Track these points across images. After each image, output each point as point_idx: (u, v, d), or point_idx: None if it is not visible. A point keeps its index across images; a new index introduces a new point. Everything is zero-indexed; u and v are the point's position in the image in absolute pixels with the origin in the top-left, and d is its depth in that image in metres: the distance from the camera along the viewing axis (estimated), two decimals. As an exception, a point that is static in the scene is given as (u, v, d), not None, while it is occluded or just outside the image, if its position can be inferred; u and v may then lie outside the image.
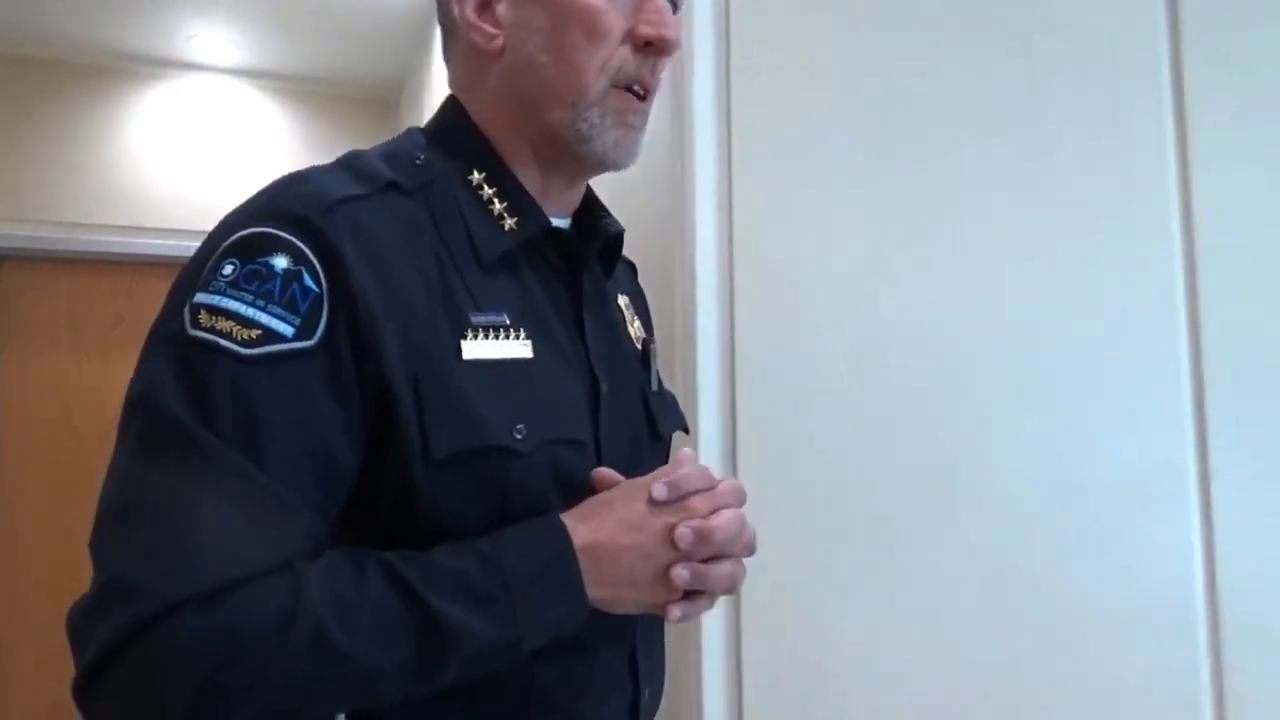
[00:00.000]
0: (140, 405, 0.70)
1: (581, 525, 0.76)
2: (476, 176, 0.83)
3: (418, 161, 0.82)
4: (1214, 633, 1.45)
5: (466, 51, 0.87)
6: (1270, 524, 1.50)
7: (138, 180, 3.81)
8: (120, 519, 0.67)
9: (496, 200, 0.83)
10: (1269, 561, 1.49)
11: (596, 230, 0.91)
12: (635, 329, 0.97)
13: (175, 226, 3.78)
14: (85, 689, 0.65)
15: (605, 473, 0.81)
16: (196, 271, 0.73)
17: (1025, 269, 1.45)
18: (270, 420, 0.68)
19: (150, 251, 3.75)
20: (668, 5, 0.85)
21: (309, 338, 0.70)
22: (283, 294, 0.70)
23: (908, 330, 1.39)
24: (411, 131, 0.88)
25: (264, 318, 0.70)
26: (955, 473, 1.36)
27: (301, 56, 3.83)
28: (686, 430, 0.99)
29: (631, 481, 0.80)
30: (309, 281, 0.71)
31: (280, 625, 0.65)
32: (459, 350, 0.76)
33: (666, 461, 0.89)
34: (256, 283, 0.70)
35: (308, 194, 0.74)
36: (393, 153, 0.83)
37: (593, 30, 0.81)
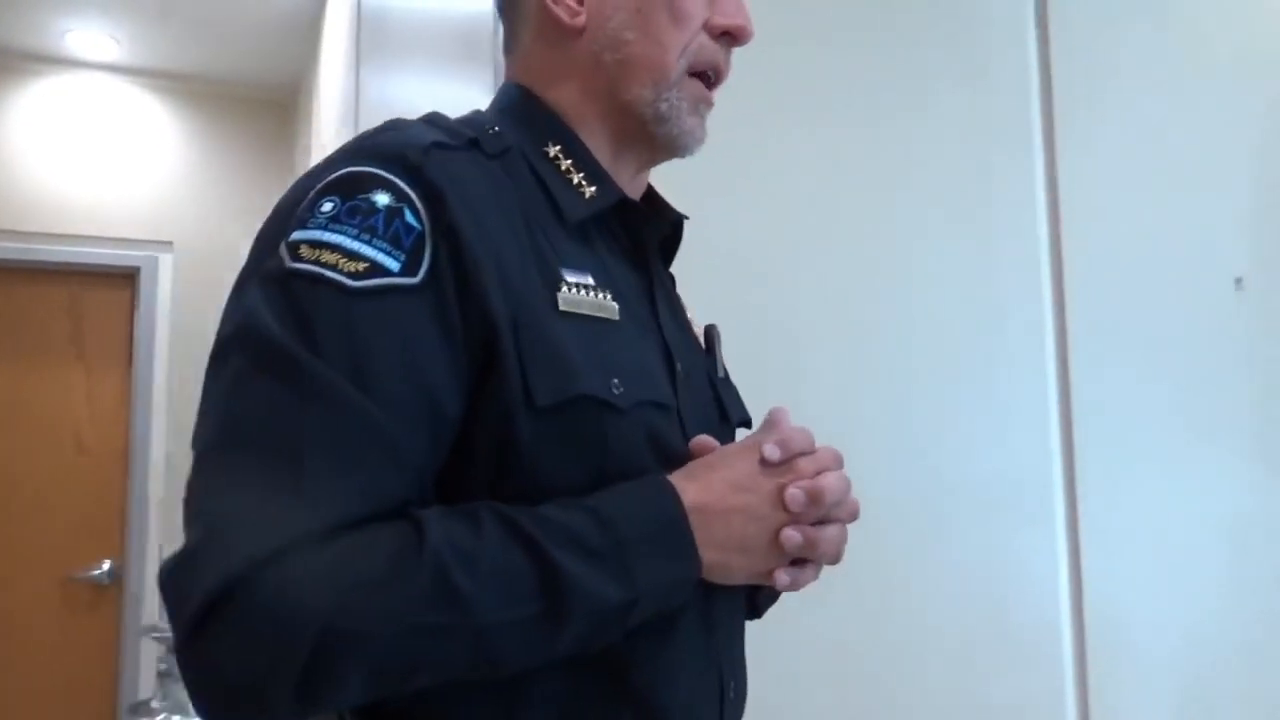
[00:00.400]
0: (237, 341, 0.66)
1: (690, 485, 0.74)
2: (553, 150, 0.84)
3: (491, 131, 0.80)
4: (1079, 646, 1.47)
5: (543, 32, 0.86)
6: (1137, 533, 1.54)
7: (14, 180, 3.65)
8: (219, 456, 0.64)
9: (574, 170, 0.83)
10: (1135, 572, 1.52)
11: (663, 213, 0.92)
12: (694, 316, 0.98)
13: (56, 230, 3.63)
14: (188, 648, 0.60)
15: (705, 440, 0.79)
16: (284, 219, 0.71)
17: (888, 270, 1.48)
18: (381, 355, 0.66)
19: (28, 257, 3.60)
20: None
21: (414, 274, 0.68)
22: (386, 229, 0.69)
23: (769, 329, 1.41)
24: (476, 111, 0.87)
25: (369, 251, 0.68)
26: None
27: (187, 55, 3.72)
28: (749, 424, 0.95)
29: (734, 444, 0.79)
30: (410, 218, 0.69)
31: (400, 567, 0.61)
32: (554, 301, 0.75)
33: None
34: (359, 217, 0.69)
35: (403, 137, 0.74)
36: (466, 121, 0.82)
37: (678, 14, 0.84)
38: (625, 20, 0.84)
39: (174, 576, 0.61)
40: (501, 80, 0.91)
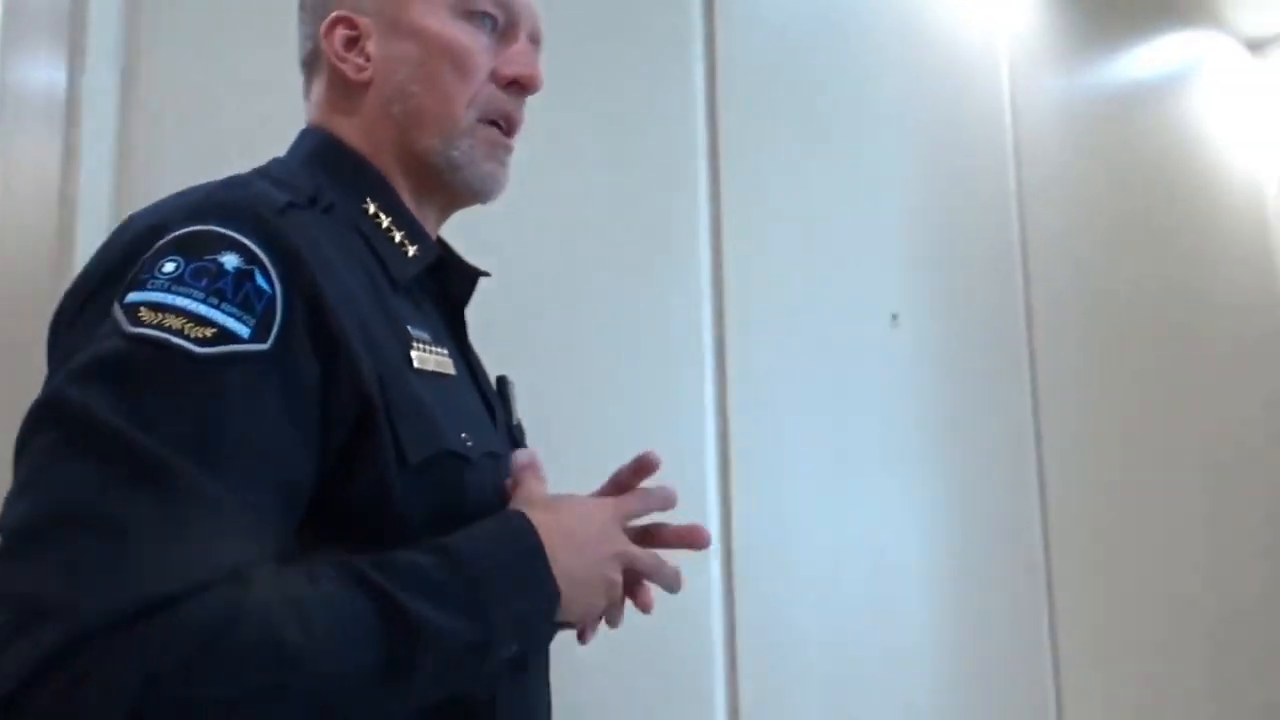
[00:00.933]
0: (51, 411, 0.61)
1: (541, 514, 0.75)
2: (372, 206, 0.83)
3: (316, 187, 0.79)
4: (730, 656, 1.52)
5: (331, 83, 0.88)
6: (791, 554, 1.60)
7: None
8: (31, 536, 0.57)
9: (395, 229, 0.83)
10: (789, 590, 1.59)
11: (464, 267, 0.93)
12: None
13: None
14: None
15: (521, 456, 0.84)
16: (112, 277, 0.66)
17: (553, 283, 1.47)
18: (225, 426, 0.62)
19: None
20: (530, 46, 0.90)
21: (264, 341, 0.65)
22: (236, 293, 0.65)
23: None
24: (281, 160, 0.85)
25: (218, 316, 0.64)
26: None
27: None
28: None
29: (529, 494, 0.81)
30: (261, 282, 0.66)
31: (223, 629, 0.57)
32: (409, 359, 0.75)
33: None
34: (206, 280, 0.65)
35: (252, 195, 0.71)
36: (288, 173, 0.81)
37: (461, 65, 0.85)
38: (410, 73, 0.85)
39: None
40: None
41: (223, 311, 0.64)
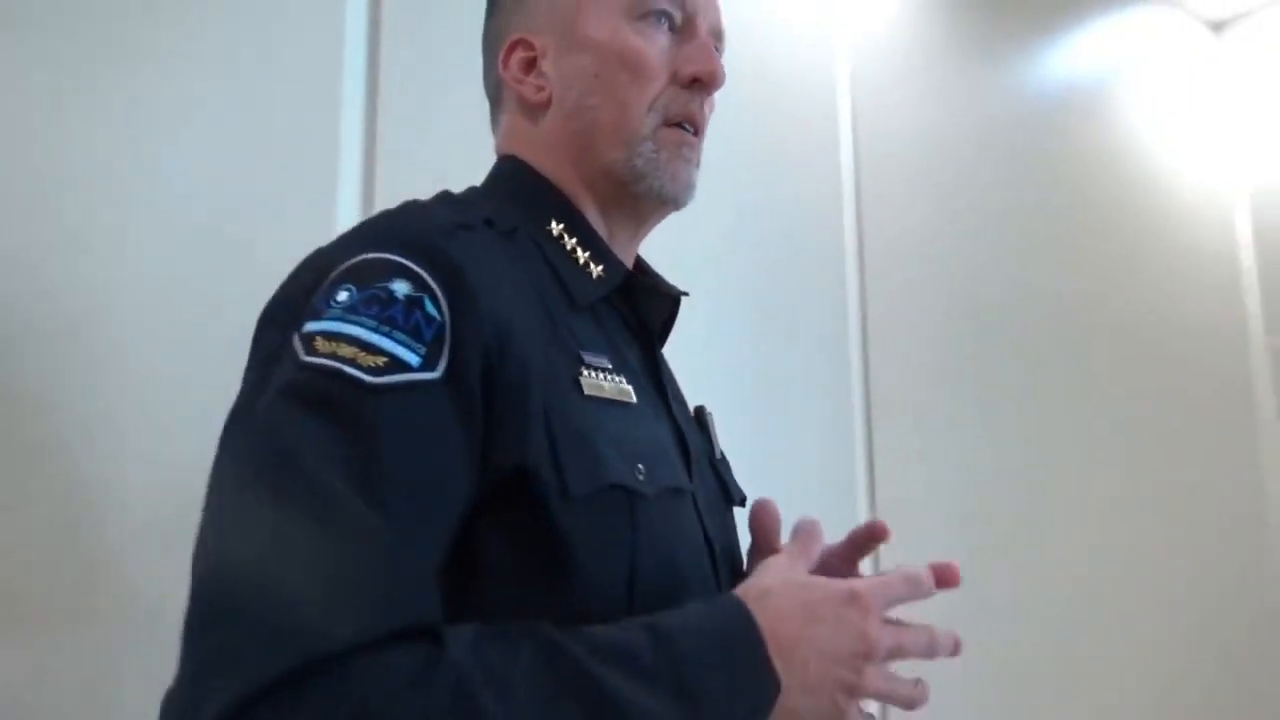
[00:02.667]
0: (260, 420, 0.62)
1: (757, 603, 0.67)
2: (556, 228, 0.82)
3: (498, 210, 0.79)
4: None
5: (515, 109, 0.87)
6: None
7: None
8: (221, 577, 0.57)
9: (580, 249, 0.81)
10: None
11: (660, 287, 0.89)
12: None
13: None
14: None
15: (773, 555, 0.75)
16: (295, 304, 0.67)
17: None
18: (398, 459, 0.61)
19: None
20: (710, 41, 0.86)
21: (434, 369, 0.64)
22: (406, 320, 0.64)
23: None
24: (471, 188, 0.86)
25: (389, 344, 0.63)
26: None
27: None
28: (744, 502, 0.91)
29: (785, 554, 0.75)
30: (431, 309, 0.65)
31: (419, 690, 0.55)
32: (579, 386, 0.72)
33: (735, 527, 0.87)
34: (377, 308, 0.64)
35: (423, 221, 0.72)
36: (473, 200, 0.82)
37: (637, 70, 0.82)
38: (586, 86, 0.83)
39: (170, 710, 0.54)
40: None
41: (393, 339, 0.64)
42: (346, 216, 1.33)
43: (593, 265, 0.81)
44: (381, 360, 0.62)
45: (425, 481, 0.62)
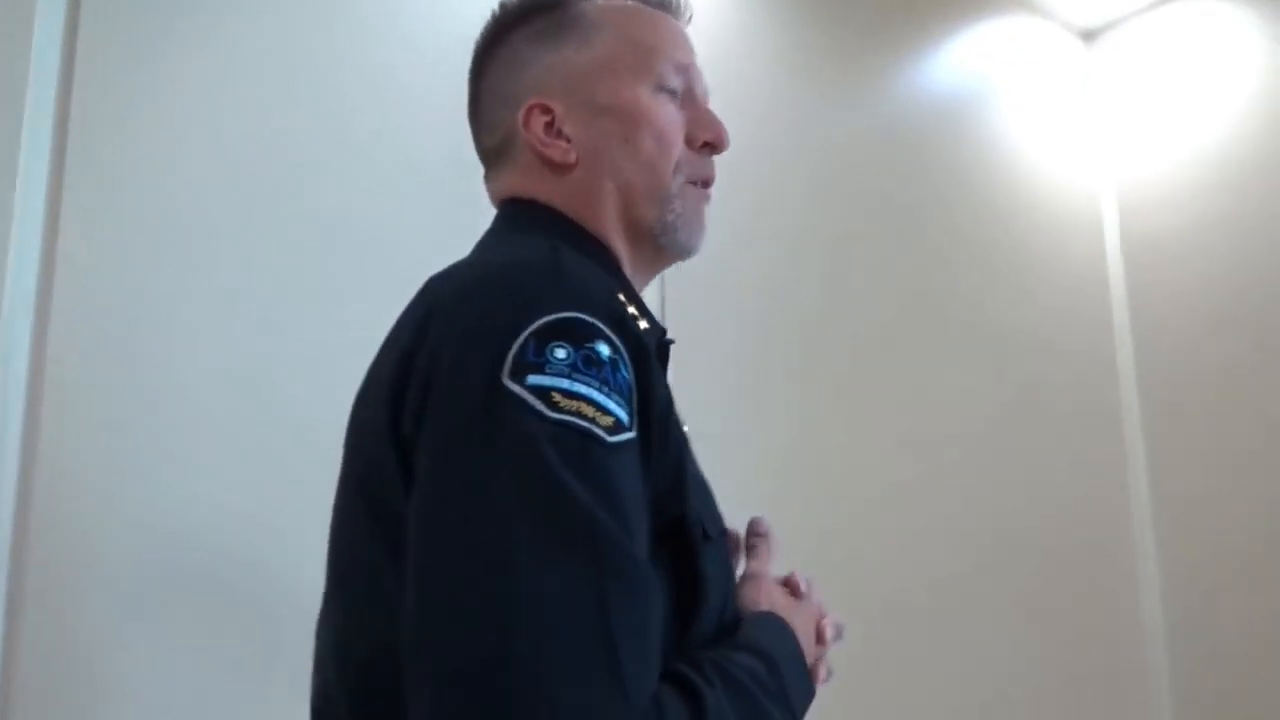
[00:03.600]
0: (523, 471, 0.65)
1: (789, 621, 0.83)
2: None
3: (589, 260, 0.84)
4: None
5: (532, 166, 0.91)
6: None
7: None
8: (538, 617, 0.61)
9: (629, 303, 0.82)
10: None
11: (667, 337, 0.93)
12: None
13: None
14: None
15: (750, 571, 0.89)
16: (491, 346, 0.70)
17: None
18: (631, 509, 0.68)
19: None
20: (710, 108, 0.96)
21: (634, 428, 0.71)
22: (615, 382, 0.70)
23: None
24: (524, 236, 0.88)
25: (612, 405, 0.69)
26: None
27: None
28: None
29: (762, 574, 0.88)
30: (625, 372, 0.72)
31: None
32: (685, 438, 0.81)
33: None
34: (594, 369, 0.69)
35: (594, 282, 0.78)
36: (556, 245, 0.83)
37: (664, 139, 0.90)
38: (617, 150, 0.90)
39: None
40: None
41: (614, 401, 0.69)
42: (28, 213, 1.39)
43: (639, 319, 0.82)
44: (610, 420, 0.68)
45: (645, 527, 0.70)
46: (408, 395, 0.72)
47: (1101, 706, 2.43)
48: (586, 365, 0.69)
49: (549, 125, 0.90)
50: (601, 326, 0.72)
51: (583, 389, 0.68)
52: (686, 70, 0.94)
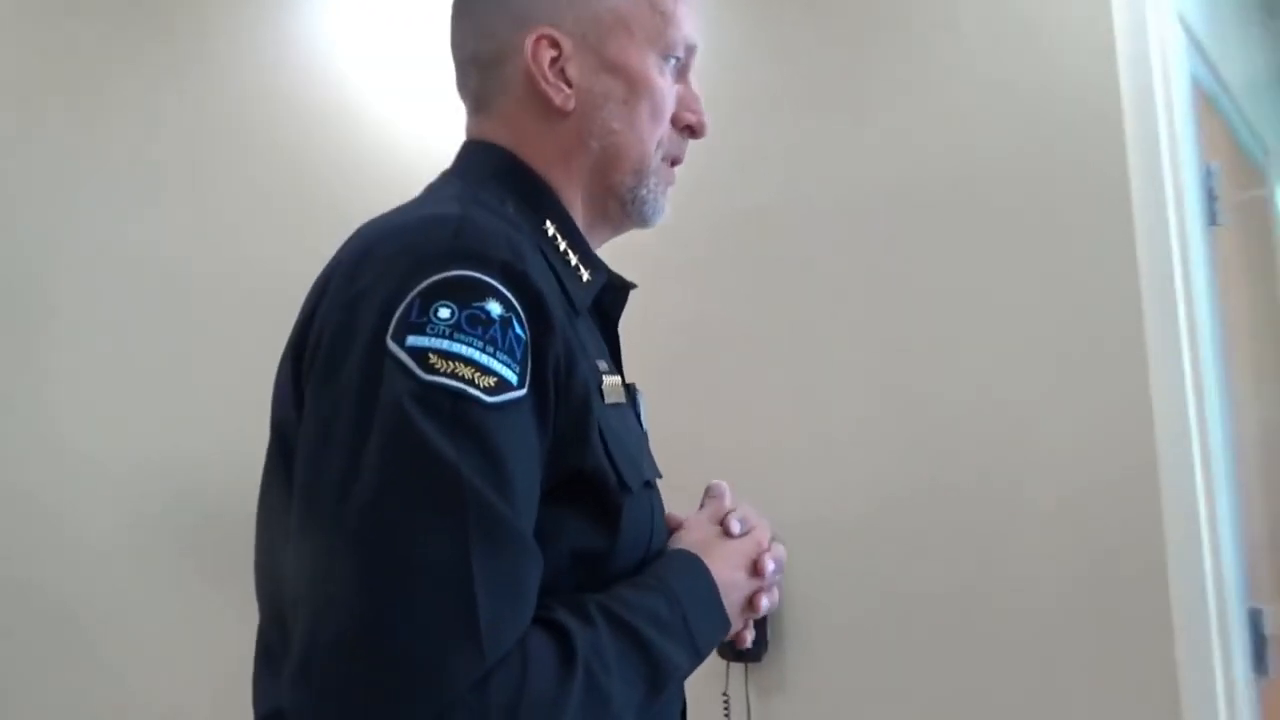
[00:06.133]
0: (392, 431, 0.68)
1: (709, 562, 0.86)
2: (551, 228, 0.87)
3: (509, 211, 0.84)
4: None
5: (528, 104, 0.89)
6: None
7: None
8: (397, 572, 0.66)
9: (571, 251, 0.87)
10: None
11: (622, 283, 0.95)
12: None
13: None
14: None
15: (673, 515, 0.93)
16: (377, 310, 0.71)
17: None
18: (515, 472, 0.70)
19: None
20: (696, 91, 0.96)
21: (524, 385, 0.72)
22: (503, 341, 0.71)
23: None
24: (470, 176, 0.89)
25: (497, 365, 0.70)
26: None
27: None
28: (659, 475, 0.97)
29: (699, 519, 0.92)
30: (518, 329, 0.72)
31: (564, 678, 0.69)
32: (602, 393, 0.81)
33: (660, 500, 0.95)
34: (480, 328, 0.70)
35: (495, 238, 0.76)
36: (479, 198, 0.84)
37: (658, 111, 0.91)
38: (614, 111, 0.89)
39: (357, 701, 0.64)
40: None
41: (499, 360, 0.70)
42: None
43: (583, 269, 0.88)
44: (493, 380, 0.70)
45: (530, 487, 0.73)
46: (305, 355, 0.77)
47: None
48: (471, 325, 0.71)
49: (553, 62, 0.88)
50: (494, 283, 0.73)
51: (462, 350, 0.70)
52: (692, 50, 0.95)
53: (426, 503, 0.67)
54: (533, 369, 0.73)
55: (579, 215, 0.92)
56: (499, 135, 0.91)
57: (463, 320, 0.70)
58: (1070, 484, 1.71)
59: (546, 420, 0.74)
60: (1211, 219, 1.95)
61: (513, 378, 0.71)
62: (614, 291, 0.94)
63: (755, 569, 0.89)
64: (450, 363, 0.69)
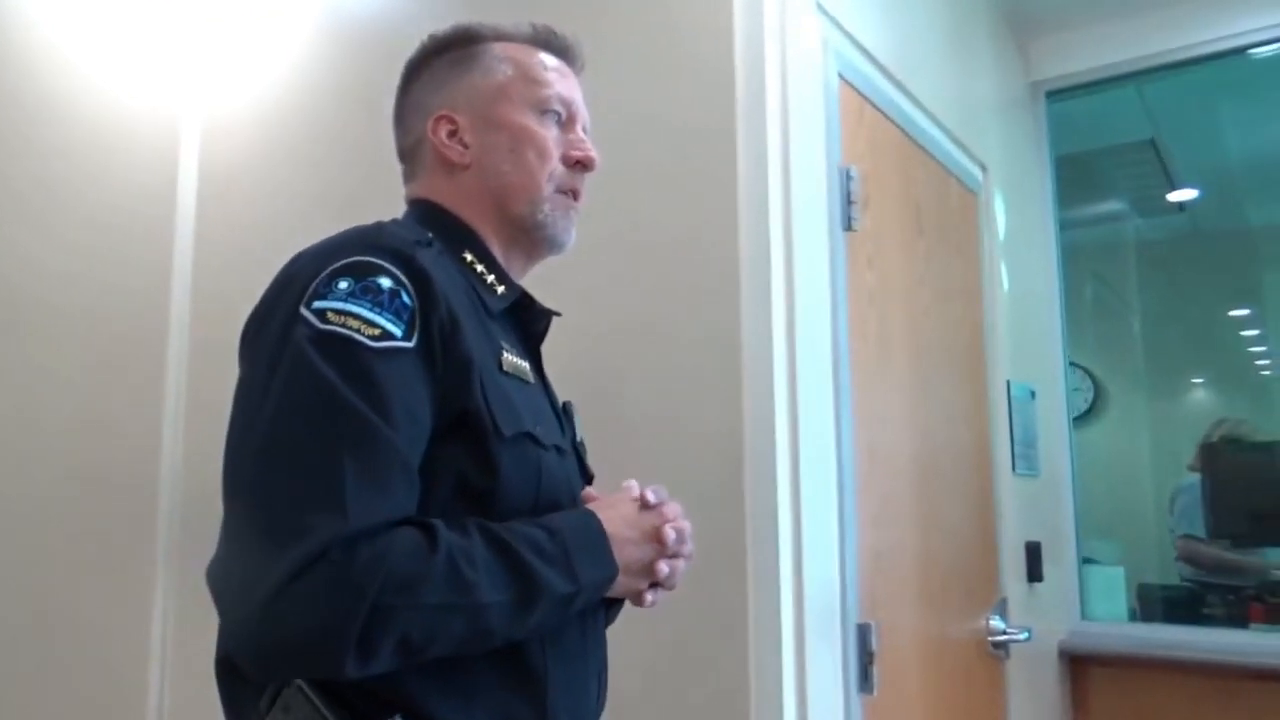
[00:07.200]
0: (290, 365, 0.91)
1: (601, 515, 1.04)
2: (469, 255, 1.11)
3: (429, 235, 1.05)
4: None
5: (436, 167, 1.16)
6: None
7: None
8: (282, 467, 0.88)
9: (487, 272, 1.12)
10: None
11: (540, 310, 1.18)
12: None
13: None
14: (259, 622, 0.84)
15: (589, 492, 1.12)
16: (298, 289, 0.95)
17: None
18: (393, 400, 0.91)
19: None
20: (585, 134, 1.19)
21: (410, 340, 0.94)
22: (390, 304, 0.94)
23: None
24: (399, 220, 1.13)
25: (382, 320, 0.93)
26: None
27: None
28: (592, 480, 1.21)
29: (617, 494, 1.09)
30: (405, 298, 0.95)
31: (426, 557, 0.88)
32: (499, 363, 1.04)
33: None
34: (370, 295, 0.94)
35: (395, 236, 1.01)
36: (404, 226, 1.09)
37: (541, 151, 1.14)
38: (503, 157, 1.13)
39: (238, 566, 0.88)
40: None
41: (384, 317, 0.93)
42: None
43: (497, 285, 1.12)
44: (378, 331, 0.93)
45: (412, 416, 0.93)
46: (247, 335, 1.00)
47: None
48: (364, 292, 0.94)
49: (452, 133, 1.14)
50: (385, 264, 0.96)
51: (354, 308, 0.93)
52: (569, 104, 1.17)
53: (314, 416, 0.89)
54: (420, 329, 0.95)
55: (496, 246, 1.15)
56: (423, 192, 1.16)
57: (357, 289, 0.94)
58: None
59: (433, 368, 0.95)
60: (847, 224, 1.92)
61: (397, 331, 0.93)
62: (532, 314, 1.17)
63: (657, 537, 1.05)
64: (343, 317, 0.92)
